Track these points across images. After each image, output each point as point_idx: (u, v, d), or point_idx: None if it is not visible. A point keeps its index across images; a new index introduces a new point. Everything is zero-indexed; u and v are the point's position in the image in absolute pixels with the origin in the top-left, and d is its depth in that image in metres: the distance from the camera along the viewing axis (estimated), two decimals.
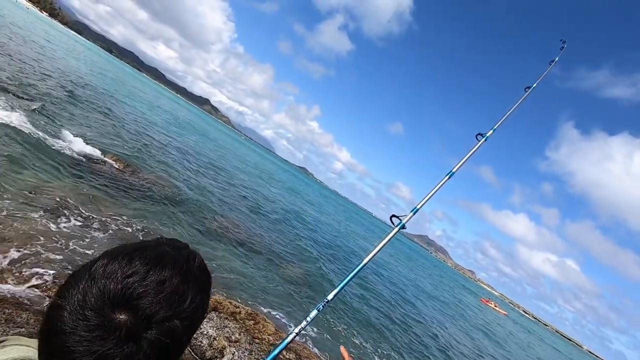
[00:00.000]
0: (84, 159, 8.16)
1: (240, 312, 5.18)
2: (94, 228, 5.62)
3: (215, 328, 4.37)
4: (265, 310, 6.59)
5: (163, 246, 0.56)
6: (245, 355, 4.13)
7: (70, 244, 4.86)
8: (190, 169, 15.23)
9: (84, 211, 5.89)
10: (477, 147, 2.01)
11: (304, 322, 1.25)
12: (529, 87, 2.36)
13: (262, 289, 7.48)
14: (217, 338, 4.22)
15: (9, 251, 3.99)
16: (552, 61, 2.52)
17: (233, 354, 4.10)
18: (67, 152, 7.99)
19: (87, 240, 5.19)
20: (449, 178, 1.87)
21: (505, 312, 67.38)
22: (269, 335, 4.93)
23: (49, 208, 5.34)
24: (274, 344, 4.74)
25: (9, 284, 3.54)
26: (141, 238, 6.03)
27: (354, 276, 1.46)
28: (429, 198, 1.76)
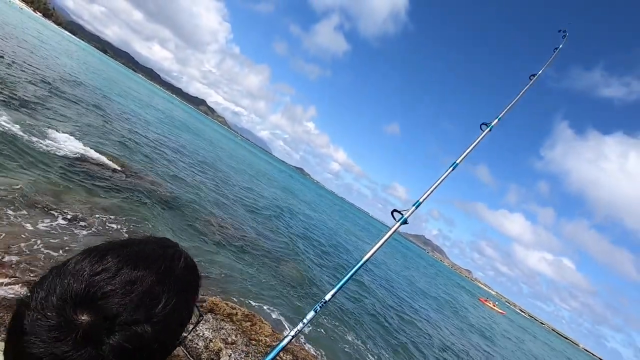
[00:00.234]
0: (74, 158, 8.05)
1: (236, 314, 5.14)
2: (81, 227, 5.51)
3: (211, 330, 4.32)
4: (261, 311, 6.54)
5: (146, 244, 0.52)
6: (241, 357, 4.09)
7: (55, 242, 4.77)
8: (185, 168, 15.13)
9: (70, 210, 5.81)
10: (481, 137, 1.97)
11: (300, 324, 1.22)
12: (534, 75, 2.34)
13: (259, 290, 7.43)
14: (214, 340, 4.17)
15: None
16: (557, 48, 2.51)
17: (229, 356, 4.05)
18: (57, 151, 7.88)
19: (72, 238, 5.11)
20: (452, 169, 1.83)
21: (503, 312, 67.65)
22: (265, 336, 4.88)
23: (37, 207, 5.26)
24: (271, 345, 4.70)
25: None
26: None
27: (352, 275, 1.42)
28: (432, 191, 1.71)
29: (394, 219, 1.57)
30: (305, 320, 1.23)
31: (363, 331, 8.92)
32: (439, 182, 1.75)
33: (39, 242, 4.54)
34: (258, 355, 4.25)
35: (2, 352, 0.44)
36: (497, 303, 74.83)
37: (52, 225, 5.09)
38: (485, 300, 65.71)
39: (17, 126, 7.85)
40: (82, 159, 8.32)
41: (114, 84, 37.69)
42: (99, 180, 7.66)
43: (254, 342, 4.58)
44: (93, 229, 5.63)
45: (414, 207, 1.62)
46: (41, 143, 7.77)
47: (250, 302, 6.67)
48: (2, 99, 9.07)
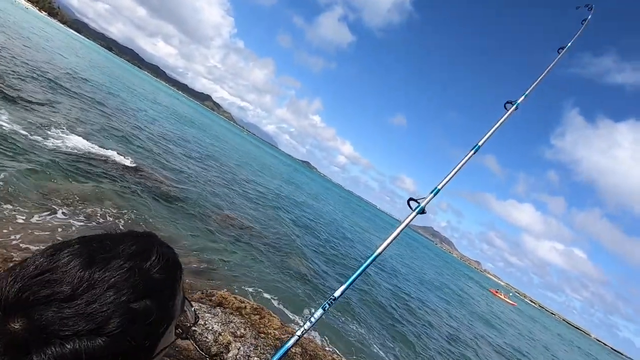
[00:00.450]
0: (78, 154, 8.12)
1: (245, 307, 5.16)
2: (78, 221, 5.47)
3: (220, 323, 4.34)
4: (270, 304, 6.57)
5: (116, 240, 0.44)
6: (250, 350, 4.10)
7: (54, 236, 4.82)
8: (190, 163, 15.20)
9: (70, 204, 5.85)
10: (506, 115, 1.82)
11: (308, 323, 1.14)
12: (562, 48, 2.20)
13: (266, 283, 7.45)
14: (222, 333, 4.19)
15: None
16: (585, 20, 2.37)
17: (238, 349, 4.07)
18: (61, 147, 7.94)
19: (67, 233, 5.15)
20: (474, 152, 1.66)
21: (514, 303, 67.11)
22: (274, 329, 4.90)
23: (36, 202, 5.31)
24: (280, 338, 4.72)
25: None
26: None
27: (362, 271, 1.30)
28: (452, 176, 1.55)
29: (410, 207, 1.40)
30: (313, 319, 1.16)
31: (370, 321, 8.93)
32: (459, 166, 1.58)
33: (30, 237, 4.58)
34: (267, 347, 4.27)
35: None
36: (510, 294, 74.38)
37: (47, 219, 5.14)
38: (496, 292, 65.45)
39: (21, 123, 7.94)
40: (87, 154, 8.38)
41: (120, 81, 37.93)
42: (102, 175, 7.71)
43: (262, 335, 4.60)
44: (91, 223, 5.66)
45: (431, 195, 1.44)
46: (46, 140, 7.84)
47: (259, 295, 6.70)
48: (8, 96, 9.16)
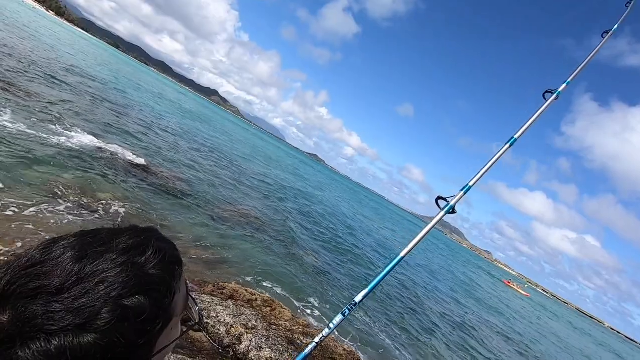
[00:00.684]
0: (87, 151, 8.22)
1: (256, 300, 5.21)
2: (87, 214, 5.60)
3: (232, 316, 4.39)
4: (281, 297, 6.62)
5: (115, 233, 0.43)
6: (262, 342, 4.15)
7: (58, 231, 4.89)
8: (198, 157, 15.30)
9: (78, 198, 5.95)
10: (546, 105, 1.68)
11: (327, 330, 1.09)
12: (607, 32, 2.05)
13: (276, 275, 7.51)
14: (234, 325, 4.24)
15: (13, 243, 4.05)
16: (630, 2, 2.18)
17: (250, 341, 4.11)
18: (71, 144, 8.03)
19: (73, 228, 5.23)
20: (510, 146, 1.55)
21: (528, 294, 66.42)
22: (285, 321, 4.94)
23: (46, 196, 5.41)
24: (291, 329, 4.76)
25: None
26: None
27: (387, 273, 1.21)
28: (485, 172, 1.44)
29: (439, 207, 1.32)
30: (332, 325, 1.11)
31: (391, 315, 8.95)
32: (493, 161, 1.47)
33: (32, 231, 4.65)
34: (278, 339, 4.31)
35: None
36: (526, 285, 73.78)
37: (50, 214, 5.23)
38: (509, 283, 65.10)
39: (29, 119, 8.06)
40: (93, 150, 8.49)
41: (127, 78, 38.24)
42: (108, 170, 7.80)
43: (274, 327, 4.64)
44: (94, 218, 5.73)
45: (462, 192, 1.35)
46: (52, 136, 7.95)
47: (268, 287, 6.76)
48: (15, 93, 9.30)
